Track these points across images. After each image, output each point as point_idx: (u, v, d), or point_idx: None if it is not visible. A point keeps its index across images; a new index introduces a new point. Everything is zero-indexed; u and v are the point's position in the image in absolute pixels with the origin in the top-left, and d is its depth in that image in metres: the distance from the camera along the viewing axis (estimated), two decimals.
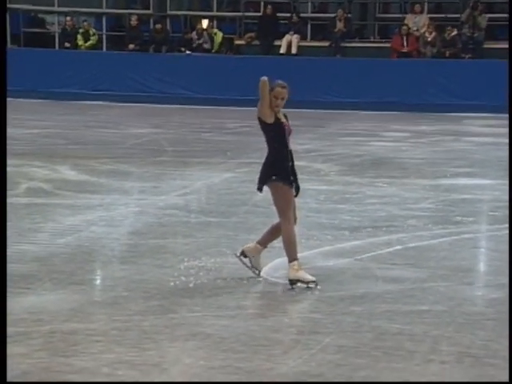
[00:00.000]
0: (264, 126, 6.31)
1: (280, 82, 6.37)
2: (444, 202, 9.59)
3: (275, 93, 6.29)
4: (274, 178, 6.29)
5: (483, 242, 8.08)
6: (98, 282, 6.70)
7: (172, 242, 7.72)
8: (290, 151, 6.36)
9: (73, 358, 4.91)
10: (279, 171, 6.28)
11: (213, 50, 21.78)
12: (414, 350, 5.13)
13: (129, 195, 9.82)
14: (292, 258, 6.30)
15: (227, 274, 6.65)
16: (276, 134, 6.32)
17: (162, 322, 5.55)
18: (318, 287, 6.30)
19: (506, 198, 9.86)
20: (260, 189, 6.45)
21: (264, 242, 6.56)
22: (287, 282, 6.33)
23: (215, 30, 22.06)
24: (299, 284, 6.28)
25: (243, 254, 6.57)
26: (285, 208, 6.27)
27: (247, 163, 11.75)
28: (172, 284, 6.39)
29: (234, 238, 7.82)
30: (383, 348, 5.15)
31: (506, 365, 4.92)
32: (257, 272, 6.55)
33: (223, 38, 21.96)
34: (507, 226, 8.42)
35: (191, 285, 6.38)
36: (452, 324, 5.61)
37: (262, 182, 6.38)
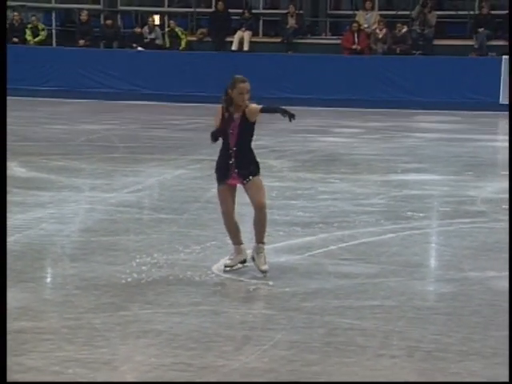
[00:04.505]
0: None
1: (238, 76, 6.42)
2: (395, 198, 9.66)
3: (239, 89, 6.38)
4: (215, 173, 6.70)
5: (434, 237, 8.16)
6: (49, 279, 6.64)
7: (124, 239, 7.67)
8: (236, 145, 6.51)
9: (22, 356, 4.86)
10: (216, 169, 6.66)
11: (181, 48, 21.63)
12: (365, 344, 5.16)
13: (80, 192, 9.74)
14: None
15: (179, 270, 6.63)
16: (221, 136, 6.57)
17: (113, 320, 5.51)
18: (271, 283, 6.32)
19: (456, 193, 10.00)
20: None
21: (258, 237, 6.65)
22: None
23: (178, 29, 21.84)
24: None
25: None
26: (219, 200, 6.70)
27: (199, 160, 11.73)
28: (124, 281, 6.35)
29: (187, 234, 7.80)
30: (335, 343, 5.17)
31: (457, 358, 4.98)
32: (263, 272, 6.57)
33: (186, 36, 21.80)
34: (457, 221, 8.53)
35: (143, 282, 6.35)
36: (403, 319, 5.66)
37: None
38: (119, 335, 5.24)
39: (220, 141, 6.57)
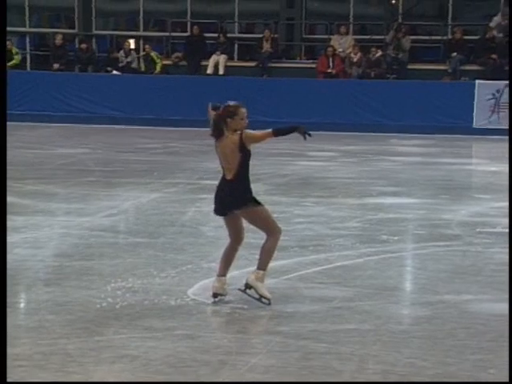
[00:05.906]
0: (244, 152, 6.35)
1: (233, 103, 6.40)
2: (370, 221, 9.68)
3: (241, 115, 6.36)
4: (249, 203, 6.39)
5: (409, 261, 8.18)
6: (22, 305, 6.58)
7: (98, 263, 7.62)
8: None
9: None
10: (249, 192, 6.41)
11: (156, 71, 21.62)
12: (340, 369, 5.14)
13: (54, 216, 9.68)
14: (263, 267, 6.40)
15: (155, 295, 6.60)
16: (248, 160, 6.41)
17: (87, 345, 5.46)
18: (246, 307, 6.30)
19: (431, 216, 10.04)
20: (225, 214, 6.45)
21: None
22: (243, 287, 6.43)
23: (153, 53, 21.84)
24: (249, 291, 6.36)
25: (247, 286, 6.45)
26: (268, 224, 6.47)
27: (174, 183, 11.70)
28: (98, 306, 6.30)
29: (163, 258, 7.77)
30: (310, 367, 5.15)
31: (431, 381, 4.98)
32: (267, 302, 6.39)
33: (161, 60, 21.81)
34: (432, 244, 8.56)
35: (118, 306, 6.31)
36: (378, 342, 5.66)
37: (238, 206, 6.38)
38: (93, 360, 5.19)
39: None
